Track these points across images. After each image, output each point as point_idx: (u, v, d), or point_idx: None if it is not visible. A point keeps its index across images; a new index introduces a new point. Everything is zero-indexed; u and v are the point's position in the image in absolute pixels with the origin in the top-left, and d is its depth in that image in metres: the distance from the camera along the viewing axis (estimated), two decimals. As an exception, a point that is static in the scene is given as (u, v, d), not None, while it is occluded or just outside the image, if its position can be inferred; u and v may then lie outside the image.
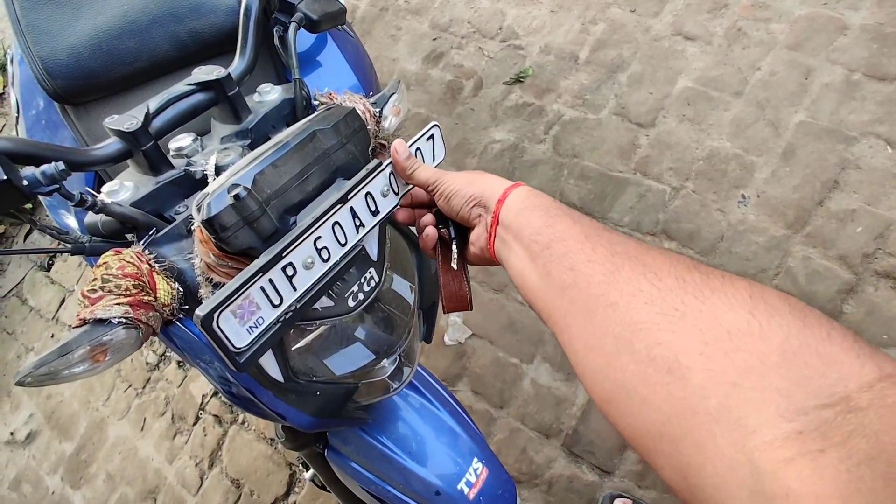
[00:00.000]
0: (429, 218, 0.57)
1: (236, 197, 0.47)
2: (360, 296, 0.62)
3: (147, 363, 2.06)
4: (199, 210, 0.47)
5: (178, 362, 2.01)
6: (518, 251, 0.46)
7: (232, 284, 0.45)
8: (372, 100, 0.74)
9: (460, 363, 1.62)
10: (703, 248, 1.53)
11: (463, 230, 0.55)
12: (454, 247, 0.56)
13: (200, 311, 0.43)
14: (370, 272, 0.62)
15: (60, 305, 2.35)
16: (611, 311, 0.34)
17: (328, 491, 1.23)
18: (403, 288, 0.71)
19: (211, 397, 1.90)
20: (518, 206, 0.47)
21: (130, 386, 2.06)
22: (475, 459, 0.85)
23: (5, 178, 0.42)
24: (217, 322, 0.44)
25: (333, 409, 0.69)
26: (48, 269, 2.48)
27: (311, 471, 1.23)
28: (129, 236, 0.59)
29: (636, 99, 1.78)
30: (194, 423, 1.89)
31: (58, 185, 0.47)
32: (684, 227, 1.57)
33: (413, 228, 0.62)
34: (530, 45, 2.03)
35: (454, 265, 0.56)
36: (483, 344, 1.62)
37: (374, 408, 0.83)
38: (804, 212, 1.47)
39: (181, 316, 0.56)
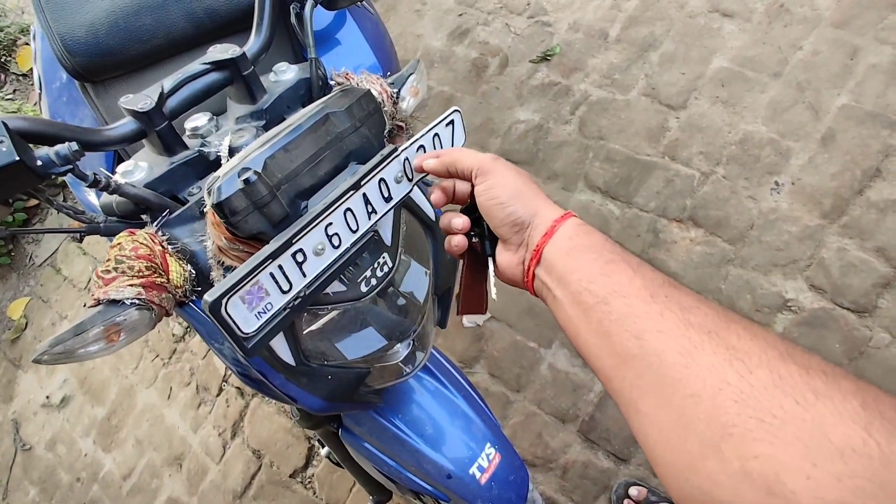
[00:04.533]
0: (460, 222, 0.51)
1: (246, 181, 0.46)
2: (373, 281, 0.61)
3: (173, 334, 2.12)
4: (209, 193, 0.47)
5: (203, 335, 2.06)
6: (564, 297, 0.40)
7: (241, 271, 0.44)
8: (389, 80, 0.72)
9: (478, 345, 1.62)
10: (732, 237, 1.48)
11: (495, 238, 0.50)
12: (491, 271, 0.51)
13: (209, 297, 0.43)
14: (384, 257, 0.61)
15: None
16: (691, 403, 0.29)
17: (344, 468, 1.26)
18: (418, 273, 0.70)
19: (233, 370, 1.95)
20: (567, 245, 0.41)
21: (157, 356, 2.12)
22: (488, 444, 0.85)
23: (17, 158, 0.42)
24: (225, 308, 0.44)
25: (345, 392, 0.69)
26: (80, 241, 2.55)
27: (327, 448, 1.25)
28: (143, 217, 0.59)
29: (667, 79, 1.71)
30: (217, 395, 1.94)
31: (71, 166, 0.47)
32: (712, 214, 1.52)
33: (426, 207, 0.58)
34: (558, 21, 1.96)
35: (492, 294, 0.51)
36: (502, 327, 1.61)
37: (388, 390, 0.83)
38: (842, 201, 1.40)
39: (194, 298, 0.56)
